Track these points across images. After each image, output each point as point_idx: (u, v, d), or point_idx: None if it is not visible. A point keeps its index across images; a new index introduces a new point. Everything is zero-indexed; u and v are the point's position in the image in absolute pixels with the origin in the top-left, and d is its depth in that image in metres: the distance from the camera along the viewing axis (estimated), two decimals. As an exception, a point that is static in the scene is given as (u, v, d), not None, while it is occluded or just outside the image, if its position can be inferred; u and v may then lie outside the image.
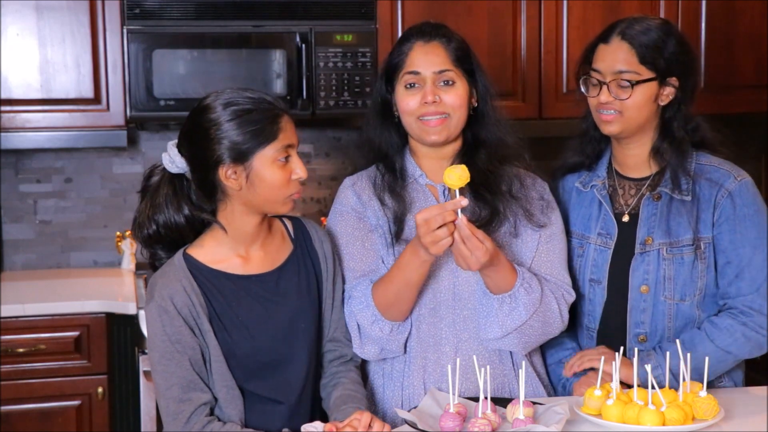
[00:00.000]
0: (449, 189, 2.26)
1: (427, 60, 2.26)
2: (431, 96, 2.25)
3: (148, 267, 3.86)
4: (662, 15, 3.83)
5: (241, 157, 2.02)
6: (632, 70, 2.32)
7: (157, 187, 2.11)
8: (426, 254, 2.15)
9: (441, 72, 2.26)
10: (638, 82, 2.31)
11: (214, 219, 2.09)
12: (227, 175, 2.03)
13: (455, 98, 2.27)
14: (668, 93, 2.36)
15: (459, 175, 2.10)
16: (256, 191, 2.04)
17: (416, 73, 2.27)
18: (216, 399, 2.08)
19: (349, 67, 3.60)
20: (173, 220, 2.10)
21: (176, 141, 2.11)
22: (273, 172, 2.04)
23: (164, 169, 2.12)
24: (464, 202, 2.08)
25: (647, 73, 2.32)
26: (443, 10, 3.66)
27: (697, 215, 2.35)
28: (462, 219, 2.08)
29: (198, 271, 2.08)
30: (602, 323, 2.43)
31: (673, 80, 2.36)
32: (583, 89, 2.39)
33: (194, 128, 2.06)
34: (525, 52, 3.78)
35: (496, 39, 3.74)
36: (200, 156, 2.04)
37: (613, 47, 2.34)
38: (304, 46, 3.56)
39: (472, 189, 2.27)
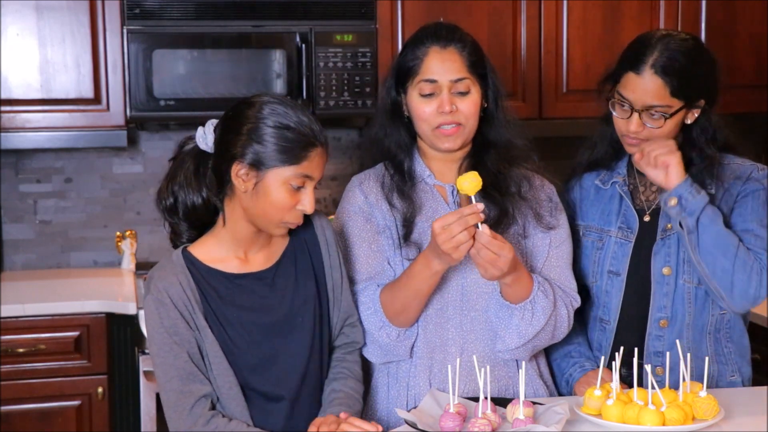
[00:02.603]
0: (458, 190, 2.27)
1: (443, 67, 2.24)
2: (448, 106, 2.23)
3: (148, 267, 3.88)
4: (662, 15, 3.83)
5: (258, 163, 2.00)
6: (664, 104, 2.30)
7: (183, 159, 2.11)
8: (439, 264, 2.15)
9: (458, 80, 2.24)
10: (671, 115, 2.31)
11: (221, 205, 2.08)
12: (238, 173, 2.02)
13: (470, 106, 2.25)
14: (695, 112, 2.36)
15: (473, 184, 2.12)
16: (257, 202, 2.03)
17: (433, 81, 2.24)
18: (218, 397, 2.07)
19: (349, 67, 3.60)
20: (191, 199, 2.09)
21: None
22: (280, 193, 2.02)
23: (194, 142, 2.12)
24: (480, 206, 2.09)
25: (678, 104, 2.31)
26: (443, 10, 3.66)
27: (719, 205, 2.35)
28: (484, 227, 2.08)
29: (195, 268, 2.08)
30: (620, 315, 2.43)
31: (700, 102, 2.35)
32: (611, 110, 2.37)
33: (233, 116, 2.05)
34: (525, 52, 3.79)
35: (496, 39, 3.74)
36: (225, 142, 2.04)
37: (645, 80, 2.29)
38: (304, 46, 3.56)
39: (481, 189, 2.27)
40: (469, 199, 2.13)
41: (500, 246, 2.09)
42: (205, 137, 2.08)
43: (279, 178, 2.01)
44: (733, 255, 2.29)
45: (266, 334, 2.10)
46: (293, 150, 2.00)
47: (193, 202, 2.09)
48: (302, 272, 2.16)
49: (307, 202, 2.04)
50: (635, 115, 2.32)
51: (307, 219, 2.17)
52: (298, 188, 2.03)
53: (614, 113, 2.37)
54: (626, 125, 2.34)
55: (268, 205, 2.03)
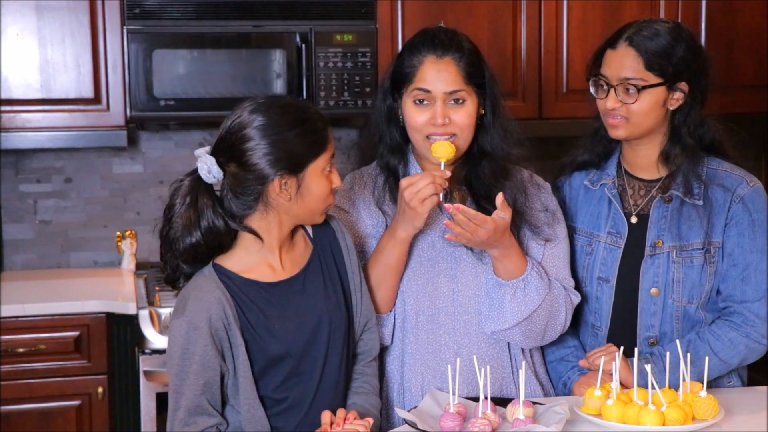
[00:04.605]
0: (451, 194, 2.27)
1: (438, 78, 2.21)
2: (441, 118, 2.21)
3: (148, 267, 3.88)
4: (662, 15, 3.83)
5: (296, 168, 1.99)
6: (638, 77, 2.30)
7: (195, 199, 2.02)
8: (403, 231, 2.18)
9: (452, 92, 2.22)
10: (644, 87, 2.30)
11: (250, 229, 2.03)
12: (280, 186, 1.99)
13: (464, 117, 2.23)
14: (678, 98, 2.35)
15: (446, 152, 2.19)
16: (303, 202, 2.03)
17: (427, 91, 2.22)
18: (227, 420, 2.05)
19: (349, 67, 3.60)
20: (215, 224, 2.02)
21: (208, 149, 2.03)
22: (320, 183, 2.03)
23: (195, 180, 2.02)
24: (447, 173, 2.15)
25: (654, 79, 2.31)
26: (443, 10, 3.66)
27: (709, 220, 2.35)
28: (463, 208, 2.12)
29: (230, 280, 2.04)
30: (611, 323, 2.43)
31: (683, 85, 2.34)
32: (592, 90, 2.39)
33: (242, 139, 1.99)
34: (525, 52, 3.78)
35: (496, 39, 3.74)
36: (249, 167, 1.98)
37: (620, 53, 2.32)
38: (304, 46, 3.56)
39: (475, 201, 2.27)
40: (453, 198, 2.21)
41: (481, 221, 2.12)
42: (210, 170, 2.01)
43: (317, 170, 2.02)
44: (733, 368, 2.38)
45: (306, 343, 2.08)
46: (318, 138, 2.02)
47: (217, 226, 2.03)
48: (329, 277, 2.15)
49: (337, 180, 2.08)
50: (612, 91, 2.33)
51: (328, 226, 2.18)
52: (329, 170, 2.06)
53: (595, 95, 2.38)
54: (604, 103, 2.35)
55: (313, 201, 2.04)
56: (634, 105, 2.31)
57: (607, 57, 2.35)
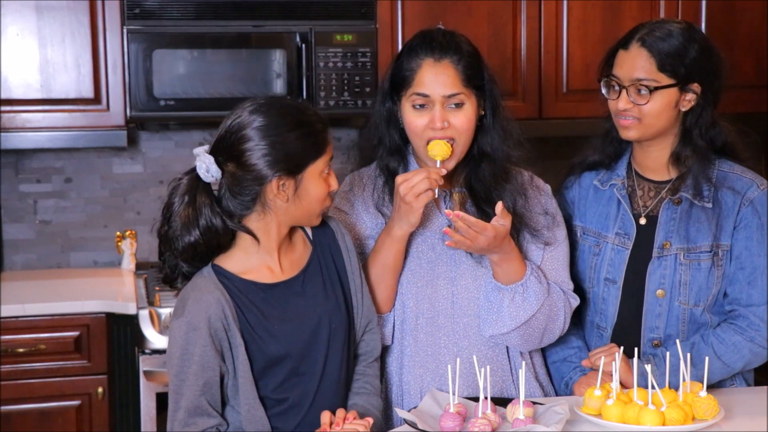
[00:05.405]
0: (450, 196, 2.27)
1: (437, 81, 2.20)
2: (440, 122, 2.20)
3: (148, 267, 3.88)
4: (662, 15, 3.83)
5: (294, 169, 1.99)
6: (651, 78, 2.29)
7: (194, 198, 2.02)
8: (399, 228, 2.18)
9: (451, 96, 2.20)
10: (656, 88, 2.29)
11: (247, 229, 2.04)
12: (278, 187, 1.99)
13: (464, 121, 2.21)
14: (690, 99, 2.34)
15: (442, 150, 2.19)
16: (301, 204, 2.03)
17: (425, 95, 2.20)
18: (227, 421, 2.05)
19: (349, 67, 3.60)
20: (213, 223, 2.02)
21: (206, 148, 2.03)
22: (318, 186, 2.03)
23: (193, 179, 2.03)
24: (443, 171, 2.16)
25: (666, 80, 2.30)
26: (443, 10, 3.66)
27: (718, 223, 2.34)
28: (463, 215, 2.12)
29: (229, 281, 2.04)
30: (616, 324, 2.42)
31: (695, 86, 2.33)
32: (603, 91, 2.38)
33: (241, 139, 1.99)
34: (525, 52, 3.78)
35: (496, 39, 3.74)
36: (247, 167, 1.99)
37: (632, 54, 2.31)
38: (304, 46, 3.56)
39: (475, 204, 2.27)
40: (455, 201, 2.22)
41: (482, 228, 2.12)
42: (209, 169, 2.01)
43: (315, 172, 2.03)
44: (736, 371, 2.37)
45: (305, 344, 2.08)
46: (317, 140, 2.02)
47: (215, 225, 2.03)
48: (329, 278, 2.15)
49: (334, 183, 2.08)
50: (623, 92, 2.32)
51: (327, 227, 2.18)
52: (327, 173, 2.06)
53: (607, 95, 2.37)
54: (616, 104, 2.34)
55: (311, 202, 2.04)
56: (646, 106, 2.31)
57: (619, 57, 2.34)
